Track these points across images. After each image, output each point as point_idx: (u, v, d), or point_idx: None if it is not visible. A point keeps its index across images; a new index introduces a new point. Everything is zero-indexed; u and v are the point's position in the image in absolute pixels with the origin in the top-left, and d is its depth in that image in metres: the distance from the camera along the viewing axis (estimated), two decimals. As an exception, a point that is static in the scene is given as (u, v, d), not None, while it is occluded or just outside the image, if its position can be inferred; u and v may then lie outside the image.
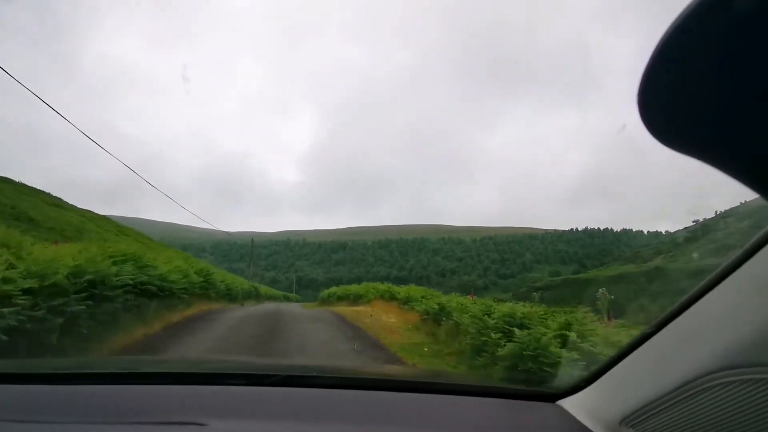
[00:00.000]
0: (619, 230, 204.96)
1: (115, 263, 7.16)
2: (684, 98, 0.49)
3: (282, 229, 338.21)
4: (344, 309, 16.86)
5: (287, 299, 48.72)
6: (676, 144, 0.53)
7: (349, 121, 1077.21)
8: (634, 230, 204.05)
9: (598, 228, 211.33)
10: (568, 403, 1.08)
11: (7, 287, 4.31)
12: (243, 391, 1.15)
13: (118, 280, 6.83)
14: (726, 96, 0.47)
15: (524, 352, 4.82)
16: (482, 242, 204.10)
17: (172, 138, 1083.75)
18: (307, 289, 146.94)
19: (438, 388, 1.28)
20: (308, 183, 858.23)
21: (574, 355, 4.14)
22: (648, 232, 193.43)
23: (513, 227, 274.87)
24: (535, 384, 1.52)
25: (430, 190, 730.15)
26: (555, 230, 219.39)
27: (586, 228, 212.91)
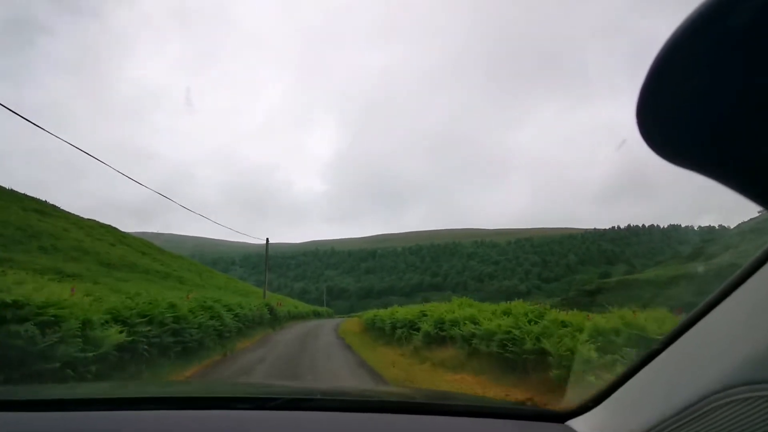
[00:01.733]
0: (666, 226, 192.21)
1: None
2: (681, 113, 0.50)
3: (309, 240, 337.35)
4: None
5: (317, 315, 42.16)
6: (675, 159, 0.53)
7: (373, 128, 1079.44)
8: (682, 225, 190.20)
9: (643, 225, 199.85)
10: (577, 424, 1.05)
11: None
12: (245, 415, 1.13)
13: None
14: (723, 111, 0.47)
15: None
16: (518, 244, 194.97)
17: (201, 154, 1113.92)
18: (338, 300, 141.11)
19: (445, 410, 1.25)
20: (334, 192, 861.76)
21: None
22: (699, 227, 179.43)
23: (548, 228, 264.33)
24: (543, 404, 1.35)
25: (458, 194, 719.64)
26: (595, 229, 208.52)
27: (629, 225, 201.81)
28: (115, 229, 36.88)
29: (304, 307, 40.54)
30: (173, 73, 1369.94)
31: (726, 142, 0.50)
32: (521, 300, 9.46)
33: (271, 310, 19.37)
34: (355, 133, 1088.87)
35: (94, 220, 36.04)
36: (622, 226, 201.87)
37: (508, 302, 9.16)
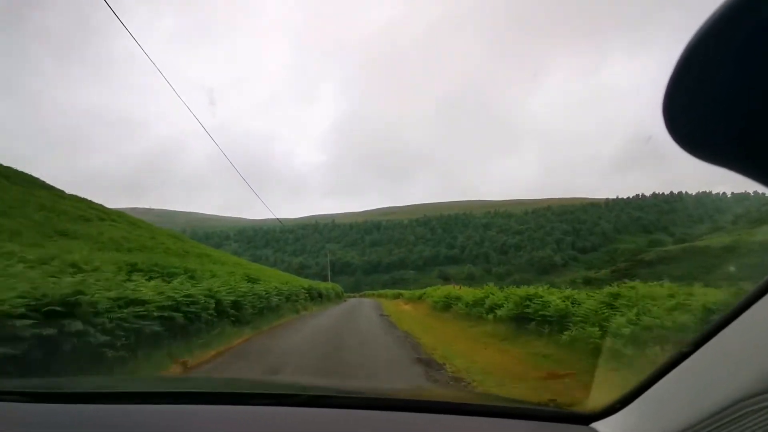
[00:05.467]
0: (695, 193, 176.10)
1: None
2: (709, 107, 0.49)
3: (309, 214, 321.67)
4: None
5: (316, 299, 25.34)
6: (702, 153, 0.53)
7: (374, 95, 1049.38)
8: (713, 193, 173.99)
9: (671, 192, 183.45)
10: (602, 426, 1.01)
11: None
12: (266, 411, 1.14)
13: None
14: (751, 105, 0.46)
15: None
16: (538, 213, 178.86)
17: (193, 124, 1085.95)
18: (341, 275, 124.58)
19: (464, 410, 1.22)
20: (334, 165, 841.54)
21: None
22: (733, 193, 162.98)
23: (562, 198, 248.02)
24: (567, 404, 1.34)
25: (464, 166, 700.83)
26: (617, 197, 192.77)
27: (654, 193, 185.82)
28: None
29: (298, 282, 23.30)
30: (168, 43, 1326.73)
31: (754, 137, 0.48)
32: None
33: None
34: (356, 102, 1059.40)
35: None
36: (647, 194, 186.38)
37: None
